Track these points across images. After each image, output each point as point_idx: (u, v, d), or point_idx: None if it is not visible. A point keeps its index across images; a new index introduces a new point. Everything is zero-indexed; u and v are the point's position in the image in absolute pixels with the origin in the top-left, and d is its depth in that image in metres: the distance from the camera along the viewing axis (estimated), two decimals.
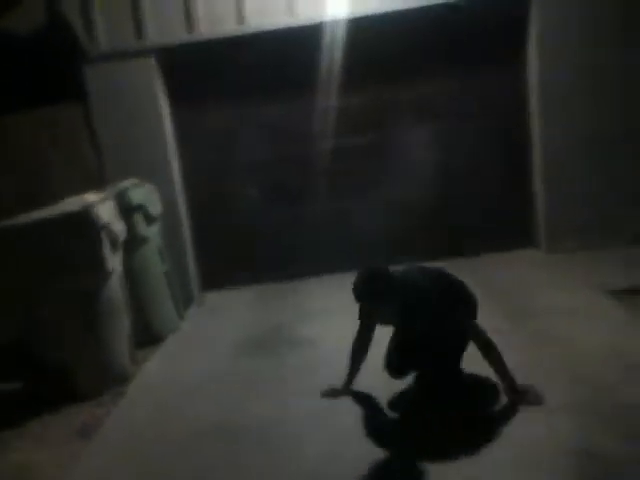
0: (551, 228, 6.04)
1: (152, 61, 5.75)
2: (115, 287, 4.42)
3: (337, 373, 3.73)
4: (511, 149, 6.12)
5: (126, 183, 5.01)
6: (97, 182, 5.50)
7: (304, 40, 5.69)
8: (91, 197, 4.28)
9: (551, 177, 5.92)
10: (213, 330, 5.28)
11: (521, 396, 3.22)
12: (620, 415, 3.04)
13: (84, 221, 4.09)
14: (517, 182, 6.17)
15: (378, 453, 3.02)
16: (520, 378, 3.28)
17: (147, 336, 5.00)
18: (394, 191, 6.14)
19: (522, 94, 6.00)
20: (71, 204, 4.17)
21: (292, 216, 6.25)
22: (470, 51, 5.84)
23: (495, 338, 3.99)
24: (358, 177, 6.15)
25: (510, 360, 3.75)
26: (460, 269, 5.74)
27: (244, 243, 6.28)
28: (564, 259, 5.73)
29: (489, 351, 3.23)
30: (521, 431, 3.02)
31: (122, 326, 4.47)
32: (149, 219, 5.09)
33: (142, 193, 5.05)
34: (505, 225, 6.20)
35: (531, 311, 4.58)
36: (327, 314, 5.10)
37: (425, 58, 5.86)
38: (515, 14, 5.70)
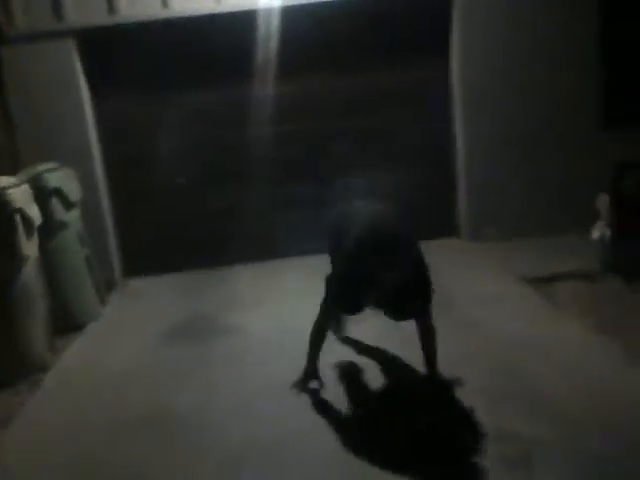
0: (472, 217, 6.26)
1: (71, 43, 5.59)
2: (31, 273, 4.30)
3: (264, 361, 3.76)
4: (435, 140, 6.27)
5: (42, 167, 4.84)
6: (11, 166, 5.29)
7: (230, 27, 5.66)
8: (3, 180, 4.13)
9: (473, 169, 6.14)
10: (136, 317, 5.20)
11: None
12: (535, 399, 3.18)
13: None
14: (440, 172, 6.33)
15: (300, 438, 3.06)
16: (439, 364, 3.38)
17: (67, 323, 4.87)
18: (322, 179, 6.18)
19: (447, 87, 6.18)
20: None
21: (219, 203, 6.21)
22: (399, 44, 5.92)
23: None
24: (286, 166, 6.16)
25: None
26: None
27: (170, 230, 6.21)
28: (484, 248, 5.93)
29: (431, 337, 3.28)
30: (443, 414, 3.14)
31: (39, 313, 4.35)
32: (67, 204, 4.94)
33: (59, 177, 4.90)
34: (428, 214, 6.35)
35: (450, 298, 4.70)
36: (255, 302, 5.11)
37: (355, 49, 5.91)
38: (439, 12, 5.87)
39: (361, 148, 6.19)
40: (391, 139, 6.18)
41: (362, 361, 3.80)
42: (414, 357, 3.46)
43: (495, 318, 4.26)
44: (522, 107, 5.95)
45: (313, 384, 3.42)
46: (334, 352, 3.78)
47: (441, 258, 5.81)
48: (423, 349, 3.32)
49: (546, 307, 4.45)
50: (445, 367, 3.41)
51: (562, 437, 2.82)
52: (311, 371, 3.41)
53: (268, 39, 5.72)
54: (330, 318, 3.41)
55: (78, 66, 5.67)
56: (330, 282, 3.31)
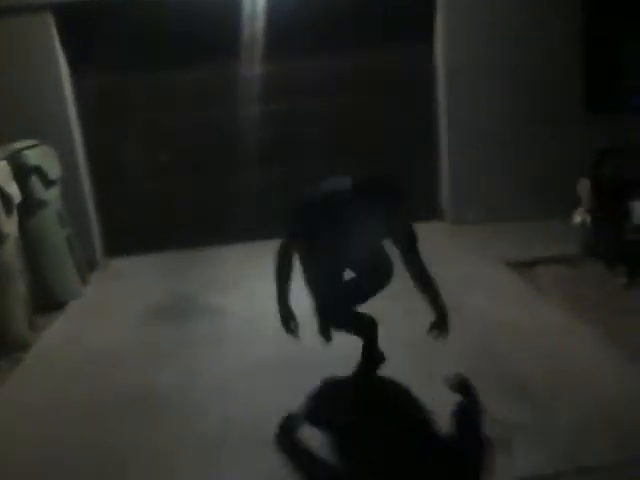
0: (455, 201, 6.27)
1: (49, 17, 5.46)
2: (10, 251, 4.24)
3: (244, 342, 3.75)
4: (419, 123, 6.25)
5: (21, 144, 4.75)
6: None
7: (214, 4, 5.56)
8: None
9: (456, 152, 6.14)
10: (118, 297, 5.17)
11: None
12: (515, 382, 3.20)
13: None
14: (425, 155, 6.33)
15: (279, 418, 3.06)
16: (420, 347, 3.39)
17: (48, 302, 4.84)
18: (305, 161, 6.14)
19: (431, 71, 6.16)
20: None
21: (204, 183, 6.15)
22: (385, 26, 5.87)
23: (396, 307, 4.15)
24: (270, 146, 6.11)
25: (409, 327, 3.90)
26: None
27: (152, 210, 6.15)
28: (468, 231, 5.97)
29: (430, 284, 3.24)
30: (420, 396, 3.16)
31: (18, 292, 4.30)
32: (47, 182, 4.86)
33: (39, 155, 4.82)
34: (412, 197, 6.34)
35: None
36: (236, 283, 5.09)
37: (340, 31, 5.83)
38: None
39: (343, 130, 6.15)
40: (375, 122, 6.15)
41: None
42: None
43: (477, 301, 4.29)
44: (506, 92, 5.95)
45: (292, 325, 3.21)
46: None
47: (424, 241, 5.82)
48: (428, 300, 3.22)
49: (528, 291, 4.48)
50: (424, 350, 3.43)
51: (542, 420, 2.85)
52: (285, 313, 3.21)
53: (253, 18, 5.64)
54: (286, 255, 3.17)
55: (57, 41, 5.54)
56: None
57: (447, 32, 5.90)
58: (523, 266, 4.92)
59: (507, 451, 2.65)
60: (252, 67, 5.84)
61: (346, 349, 3.43)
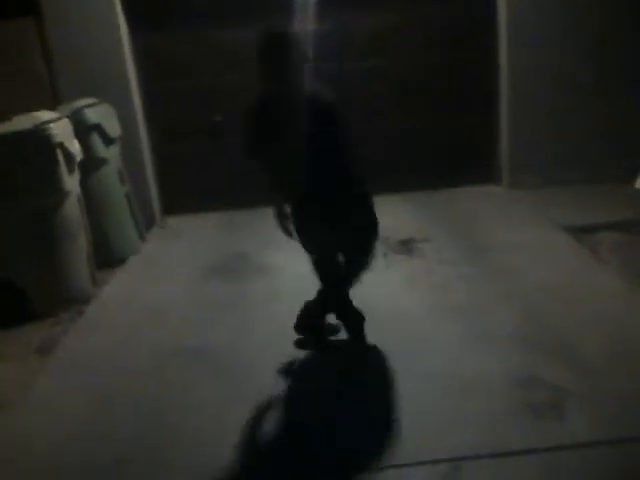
0: (513, 164, 6.12)
1: None
2: (73, 208, 4.38)
3: (299, 300, 3.78)
4: (478, 85, 6.09)
5: (82, 102, 4.86)
6: (51, 101, 5.32)
7: None
8: (45, 115, 4.16)
9: (516, 113, 5.95)
10: (176, 253, 5.29)
11: None
12: (566, 348, 3.15)
13: (39, 139, 4.00)
14: (483, 118, 6.17)
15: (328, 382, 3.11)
16: (468, 311, 3.35)
17: (108, 257, 4.99)
18: (361, 124, 6.06)
19: (492, 29, 5.94)
20: (23, 122, 4.04)
21: None
22: None
23: (449, 270, 4.13)
24: None
25: (461, 291, 3.89)
26: (422, 202, 5.90)
27: (209, 169, 6.21)
28: (525, 195, 5.82)
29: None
30: (470, 360, 3.14)
31: (80, 247, 4.45)
32: (107, 140, 4.98)
33: (99, 113, 4.92)
34: (469, 160, 6.24)
35: (487, 245, 4.68)
36: (292, 242, 5.11)
37: None
38: None
39: (400, 90, 6.04)
40: (433, 82, 6.01)
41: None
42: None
43: (531, 266, 4.21)
44: (574, 51, 5.68)
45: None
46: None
47: (480, 205, 5.77)
48: None
49: (585, 257, 4.36)
50: (475, 310, 3.39)
51: (593, 388, 2.80)
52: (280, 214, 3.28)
53: None
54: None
55: (118, 2, 5.60)
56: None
57: None
58: (581, 232, 4.77)
59: (555, 416, 2.63)
60: (308, 23, 5.75)
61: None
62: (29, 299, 4.21)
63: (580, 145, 5.90)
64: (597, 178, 5.71)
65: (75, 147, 4.34)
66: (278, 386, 3.07)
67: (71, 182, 4.31)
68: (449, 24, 5.91)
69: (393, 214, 5.65)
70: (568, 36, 5.67)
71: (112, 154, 5.12)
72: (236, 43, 5.85)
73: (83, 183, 4.62)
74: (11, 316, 4.16)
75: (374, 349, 3.32)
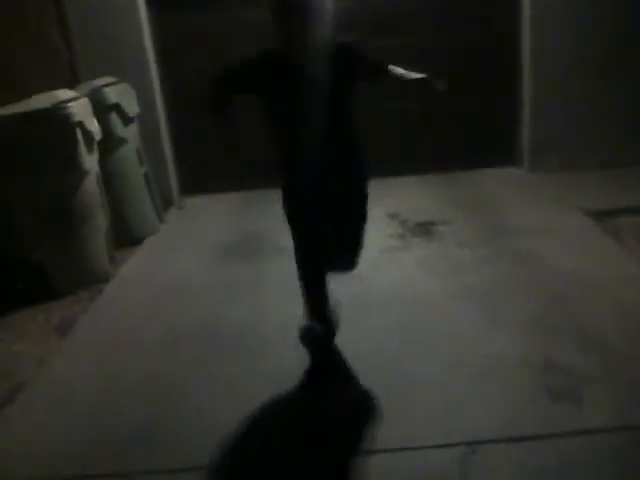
0: (534, 147, 6.03)
1: None
2: (92, 187, 4.39)
3: None
4: (500, 63, 5.99)
5: (101, 81, 4.86)
6: (70, 80, 5.32)
7: None
8: (64, 94, 4.17)
9: (538, 95, 5.84)
10: (193, 233, 5.31)
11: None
12: (586, 333, 3.12)
13: (58, 118, 4.00)
14: (504, 100, 6.08)
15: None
16: (487, 294, 3.32)
17: (126, 237, 5.02)
18: (378, 103, 6.00)
19: (515, 7, 5.82)
20: (42, 101, 4.05)
21: None
22: None
23: (467, 253, 4.10)
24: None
25: (479, 274, 3.86)
26: (442, 184, 5.86)
27: (226, 149, 6.19)
28: (546, 178, 5.75)
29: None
30: (487, 343, 3.12)
31: (99, 226, 4.48)
32: (126, 119, 4.98)
33: (118, 92, 4.91)
34: (489, 142, 6.16)
35: (506, 228, 4.64)
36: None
37: None
38: None
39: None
40: (453, 60, 5.92)
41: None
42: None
43: (551, 250, 4.16)
44: (600, 31, 5.55)
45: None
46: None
47: (500, 187, 5.71)
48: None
49: (607, 242, 4.30)
50: (492, 294, 3.37)
51: (611, 373, 2.78)
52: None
53: None
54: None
55: None
56: None
57: None
58: (603, 216, 4.69)
59: (573, 402, 2.61)
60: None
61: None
62: (50, 277, 4.26)
63: (602, 128, 5.80)
64: (618, 161, 5.62)
65: (94, 126, 4.33)
66: (294, 363, 3.07)
67: (90, 161, 4.32)
68: (473, 5, 5.80)
69: (411, 196, 5.63)
70: (590, 19, 5.53)
71: (130, 134, 5.12)
72: (256, 22, 5.79)
73: (102, 163, 4.61)
74: (32, 295, 4.22)
75: (376, 335, 3.31)
